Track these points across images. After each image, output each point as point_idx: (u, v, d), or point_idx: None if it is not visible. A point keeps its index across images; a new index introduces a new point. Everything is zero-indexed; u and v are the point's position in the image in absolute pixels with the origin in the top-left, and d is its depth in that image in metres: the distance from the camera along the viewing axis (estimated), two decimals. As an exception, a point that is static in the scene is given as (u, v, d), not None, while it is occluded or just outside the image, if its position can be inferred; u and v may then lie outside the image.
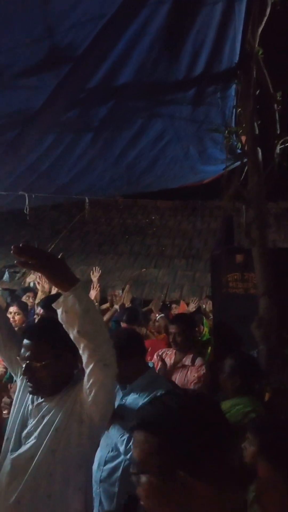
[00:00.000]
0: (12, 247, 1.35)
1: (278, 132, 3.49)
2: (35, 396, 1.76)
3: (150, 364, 2.63)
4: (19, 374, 1.90)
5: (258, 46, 3.32)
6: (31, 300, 5.33)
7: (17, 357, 1.78)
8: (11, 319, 4.26)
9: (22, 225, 9.20)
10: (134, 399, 2.32)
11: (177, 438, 0.96)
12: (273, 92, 3.46)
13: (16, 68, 2.44)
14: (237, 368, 2.54)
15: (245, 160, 3.62)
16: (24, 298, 5.38)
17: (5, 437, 1.77)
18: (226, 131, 3.82)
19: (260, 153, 3.49)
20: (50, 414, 1.65)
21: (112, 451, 2.24)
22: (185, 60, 3.01)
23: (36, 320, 4.07)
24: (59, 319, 1.49)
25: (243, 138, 3.72)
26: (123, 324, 4.21)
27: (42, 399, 1.71)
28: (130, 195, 8.32)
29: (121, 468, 2.19)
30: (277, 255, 3.56)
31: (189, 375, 3.17)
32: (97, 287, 5.13)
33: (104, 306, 5.63)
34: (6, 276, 8.08)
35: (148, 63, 2.88)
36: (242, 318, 3.46)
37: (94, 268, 5.58)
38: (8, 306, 4.50)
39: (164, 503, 0.97)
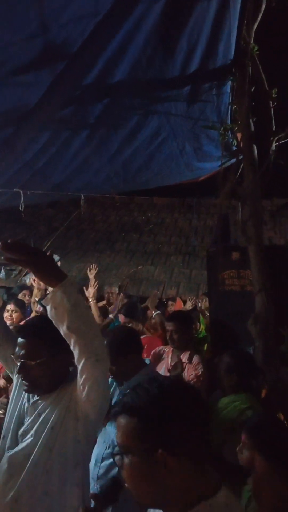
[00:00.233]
0: None
1: (274, 129, 3.49)
2: (31, 394, 1.76)
3: (147, 361, 2.64)
4: (14, 372, 1.89)
5: (253, 42, 3.31)
6: (27, 297, 5.33)
7: (11, 355, 1.77)
8: (9, 317, 4.26)
9: (18, 223, 9.17)
10: (131, 396, 2.32)
11: (156, 420, 1.03)
12: (269, 89, 3.46)
13: (11, 65, 2.43)
14: (234, 365, 2.54)
15: (241, 157, 3.62)
16: (20, 296, 5.38)
17: (2, 436, 1.77)
18: (222, 128, 3.82)
19: (255, 150, 3.48)
20: (46, 412, 1.64)
21: (109, 448, 2.24)
22: (180, 57, 3.00)
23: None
24: (49, 316, 1.49)
25: (239, 135, 3.72)
26: (121, 317, 4.20)
27: (38, 397, 1.71)
28: (126, 192, 8.30)
29: (118, 465, 2.19)
30: (273, 252, 3.57)
31: (186, 373, 3.17)
32: (95, 284, 5.14)
33: (101, 303, 5.63)
34: (2, 273, 8.06)
35: (143, 59, 2.87)
36: (238, 315, 3.46)
37: (90, 265, 5.58)
38: (5, 304, 4.49)
39: (145, 481, 1.04)
